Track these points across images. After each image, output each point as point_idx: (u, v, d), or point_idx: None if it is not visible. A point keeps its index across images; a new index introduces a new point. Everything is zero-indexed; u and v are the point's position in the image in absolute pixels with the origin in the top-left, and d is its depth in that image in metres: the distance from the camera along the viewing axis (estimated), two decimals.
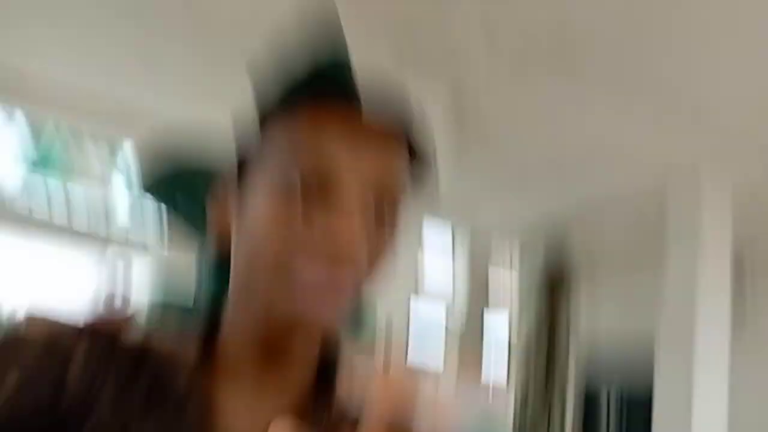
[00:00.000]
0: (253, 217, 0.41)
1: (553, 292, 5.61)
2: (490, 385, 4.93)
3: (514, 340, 5.12)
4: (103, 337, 0.43)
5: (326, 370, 0.47)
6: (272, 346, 0.43)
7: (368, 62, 0.52)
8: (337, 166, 0.40)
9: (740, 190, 3.38)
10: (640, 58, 2.29)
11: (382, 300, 0.54)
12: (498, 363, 5.37)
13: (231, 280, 0.44)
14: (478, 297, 4.81)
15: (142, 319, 0.47)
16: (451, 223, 4.38)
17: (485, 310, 4.85)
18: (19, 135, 3.33)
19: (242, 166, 0.44)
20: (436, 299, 4.48)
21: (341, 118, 0.41)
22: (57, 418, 0.39)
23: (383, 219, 0.42)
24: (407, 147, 0.43)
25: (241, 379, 0.44)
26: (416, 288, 4.02)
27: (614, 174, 3.83)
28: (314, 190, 0.40)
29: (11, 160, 3.26)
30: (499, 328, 5.09)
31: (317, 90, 0.41)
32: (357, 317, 0.52)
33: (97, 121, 3.96)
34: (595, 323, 5.28)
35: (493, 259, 5.10)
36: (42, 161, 3.54)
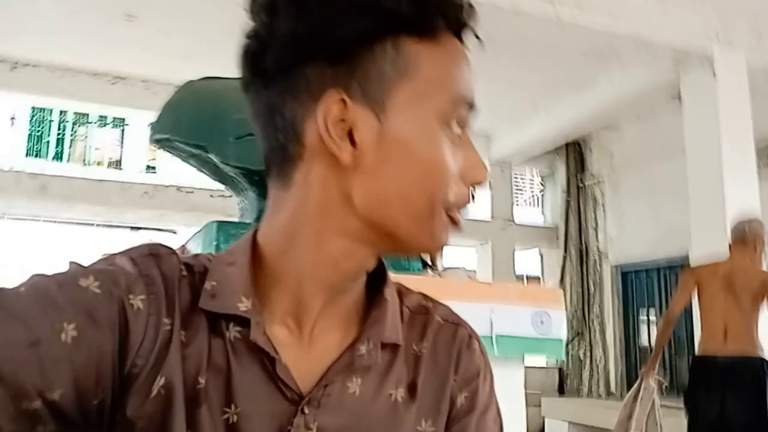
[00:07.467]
0: (419, 149, 0.37)
1: (578, 199, 5.63)
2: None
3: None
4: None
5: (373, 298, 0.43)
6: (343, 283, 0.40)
7: None
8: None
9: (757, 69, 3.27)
10: None
11: None
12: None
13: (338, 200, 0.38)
14: None
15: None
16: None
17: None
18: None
19: (362, 75, 0.37)
20: None
21: (464, 52, 0.40)
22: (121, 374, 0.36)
23: None
24: None
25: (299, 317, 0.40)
26: None
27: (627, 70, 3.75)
28: (464, 126, 0.39)
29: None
30: None
31: (458, 19, 0.39)
32: None
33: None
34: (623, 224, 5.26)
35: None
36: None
